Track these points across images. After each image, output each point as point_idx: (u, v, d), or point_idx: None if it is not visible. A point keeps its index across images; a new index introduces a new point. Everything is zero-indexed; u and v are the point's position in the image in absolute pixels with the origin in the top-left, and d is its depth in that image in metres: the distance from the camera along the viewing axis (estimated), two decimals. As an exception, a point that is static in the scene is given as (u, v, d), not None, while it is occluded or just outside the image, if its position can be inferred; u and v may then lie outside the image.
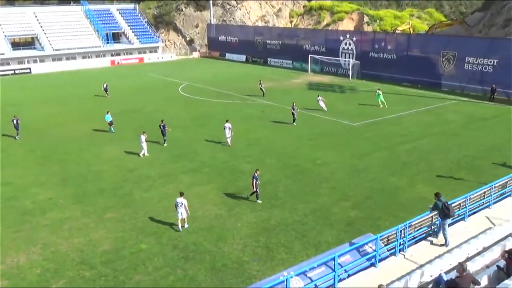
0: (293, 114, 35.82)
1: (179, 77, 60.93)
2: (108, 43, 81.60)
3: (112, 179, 25.48)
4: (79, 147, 31.40)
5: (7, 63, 72.79)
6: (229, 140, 30.83)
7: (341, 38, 62.88)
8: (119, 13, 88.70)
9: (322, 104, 40.53)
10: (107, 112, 35.32)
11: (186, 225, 19.68)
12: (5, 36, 75.05)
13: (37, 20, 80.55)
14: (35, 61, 75.23)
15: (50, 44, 77.06)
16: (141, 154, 29.20)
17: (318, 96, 41.78)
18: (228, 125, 30.82)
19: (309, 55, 64.61)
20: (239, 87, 52.35)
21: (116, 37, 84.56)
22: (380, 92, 42.00)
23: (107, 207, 21.84)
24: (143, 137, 29.15)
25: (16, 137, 34.26)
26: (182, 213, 19.21)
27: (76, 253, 17.74)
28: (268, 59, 74.73)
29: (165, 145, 31.43)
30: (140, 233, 19.21)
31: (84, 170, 27.03)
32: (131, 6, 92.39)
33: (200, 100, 46.19)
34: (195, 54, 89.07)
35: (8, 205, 22.33)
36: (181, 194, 19.52)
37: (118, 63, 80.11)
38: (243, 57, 79.79)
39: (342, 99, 45.46)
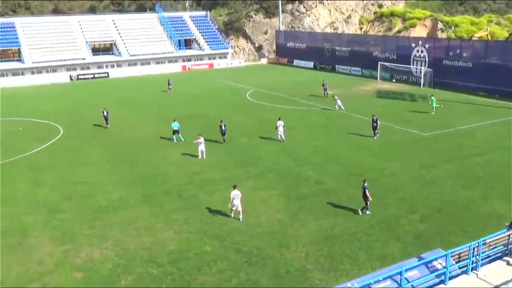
0: (374, 127, 33.34)
1: (247, 83, 61.76)
2: (180, 49, 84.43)
3: (178, 181, 26.26)
4: (147, 149, 32.68)
5: (87, 68, 77.38)
6: (281, 137, 32.81)
7: (413, 45, 60.95)
8: (191, 20, 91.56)
9: (339, 103, 42.49)
10: (174, 120, 35.15)
11: (241, 218, 20.45)
12: (87, 42, 79.80)
13: (116, 27, 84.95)
14: (112, 66, 79.30)
15: (127, 50, 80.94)
16: (199, 157, 30.09)
17: (334, 96, 43.85)
18: (280, 122, 32.82)
19: (379, 62, 63.19)
20: (306, 93, 52.20)
21: (187, 43, 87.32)
22: (434, 98, 41.31)
23: (174, 208, 22.53)
24: (199, 140, 30.06)
25: (107, 126, 39.45)
26: (238, 205, 20.48)
27: (144, 251, 18.45)
28: (336, 66, 73.93)
29: (225, 144, 32.67)
30: (204, 235, 19.65)
31: (152, 171, 28.08)
32: (203, 13, 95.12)
33: (266, 106, 46.54)
34: (263, 60, 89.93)
35: (83, 202, 23.66)
36: (234, 187, 20.87)
37: (189, 68, 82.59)
38: (311, 64, 79.50)
39: (412, 107, 44.00)
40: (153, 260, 17.73)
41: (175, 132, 34.41)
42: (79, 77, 74.99)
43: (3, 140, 36.39)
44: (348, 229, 19.75)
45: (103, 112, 40.01)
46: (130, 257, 18.01)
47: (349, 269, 16.79)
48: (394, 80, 60.88)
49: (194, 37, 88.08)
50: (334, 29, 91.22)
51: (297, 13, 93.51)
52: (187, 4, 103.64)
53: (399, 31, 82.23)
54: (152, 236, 19.72)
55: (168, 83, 57.88)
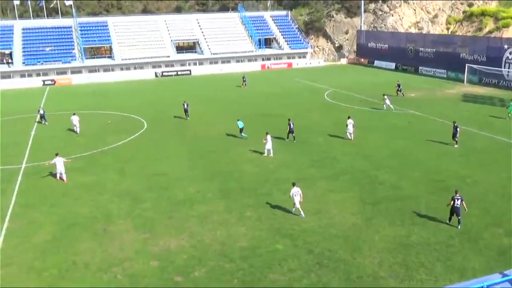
0: (454, 134, 31.67)
1: (325, 83, 61.22)
2: (260, 48, 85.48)
3: (253, 178, 26.63)
4: (225, 146, 33.46)
5: (171, 65, 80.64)
6: (349, 135, 33.46)
7: (506, 46, 57.04)
8: (272, 19, 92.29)
9: (388, 102, 43.36)
10: (238, 119, 36.07)
11: (302, 214, 21.05)
12: (172, 40, 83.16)
13: (199, 26, 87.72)
14: (195, 64, 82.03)
15: (209, 48, 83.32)
16: (265, 154, 30.56)
17: (383, 95, 44.57)
18: (350, 121, 33.46)
19: (466, 65, 59.91)
20: (395, 96, 50.64)
21: (267, 42, 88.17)
22: None
23: (248, 205, 22.90)
24: (268, 138, 30.43)
25: (187, 118, 42.42)
26: (297, 202, 21.09)
27: (218, 245, 18.95)
28: (420, 67, 71.11)
29: (294, 141, 33.33)
30: (276, 233, 19.79)
31: (229, 168, 28.71)
32: (284, 13, 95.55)
33: (344, 107, 45.83)
34: (343, 61, 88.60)
35: (163, 194, 24.75)
36: (294, 184, 21.49)
37: (267, 67, 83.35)
38: (392, 65, 77.13)
39: (500, 113, 41.26)
40: (225, 255, 18.16)
41: (240, 130, 35.60)
42: (164, 74, 78.35)
43: (94, 132, 39.02)
44: (426, 239, 18.97)
45: (183, 105, 43.12)
46: (204, 250, 18.58)
47: (424, 279, 16.15)
48: (482, 84, 57.45)
49: (274, 36, 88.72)
50: (419, 29, 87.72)
51: (380, 13, 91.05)
52: (268, 4, 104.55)
53: (490, 32, 77.36)
54: (225, 230, 20.20)
55: (243, 79, 61.65)
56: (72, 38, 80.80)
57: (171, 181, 26.64)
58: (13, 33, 79.42)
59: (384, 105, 43.92)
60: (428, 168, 27.51)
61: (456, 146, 31.50)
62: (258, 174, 27.34)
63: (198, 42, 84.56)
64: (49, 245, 19.51)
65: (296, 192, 21.21)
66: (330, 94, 53.23)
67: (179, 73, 79.24)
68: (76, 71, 76.66)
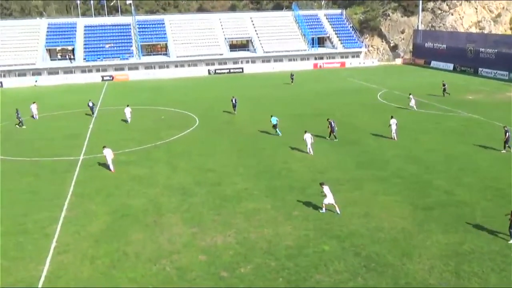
0: (506, 140, 29.94)
1: (379, 83, 59.99)
2: (313, 47, 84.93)
3: (302, 177, 26.53)
4: (274, 144, 33.51)
5: (224, 63, 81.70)
6: (394, 135, 33.49)
7: None
8: (326, 18, 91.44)
9: (413, 102, 43.46)
10: (271, 116, 36.43)
11: (338, 211, 21.40)
12: (225, 38, 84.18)
13: (253, 24, 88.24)
14: (247, 62, 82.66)
15: (262, 47, 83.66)
16: (311, 153, 30.73)
17: (409, 94, 44.59)
18: (393, 121, 33.52)
19: (531, 67, 56.94)
20: (443, 97, 49.08)
21: (320, 41, 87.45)
22: None
23: (295, 204, 22.84)
24: (306, 136, 30.68)
25: (234, 113, 44.19)
26: (331, 199, 21.33)
27: (264, 243, 19.03)
28: (479, 68, 68.22)
29: (335, 140, 33.46)
30: (323, 234, 19.62)
31: (278, 166, 28.74)
32: (338, 11, 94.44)
33: (397, 108, 44.72)
34: (398, 61, 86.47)
35: (212, 189, 25.14)
36: (322, 184, 21.82)
37: (320, 66, 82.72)
38: (450, 66, 74.44)
39: None
40: (271, 253, 18.21)
41: (274, 126, 35.92)
42: (216, 71, 79.50)
43: (148, 127, 40.23)
44: (480, 247, 18.20)
45: (232, 100, 44.58)
46: (250, 247, 18.71)
47: (477, 289, 15.52)
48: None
49: (327, 35, 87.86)
50: (480, 29, 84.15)
51: (439, 12, 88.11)
52: (323, 3, 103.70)
53: (559, 32, 73.14)
54: (272, 229, 20.25)
55: (291, 76, 63.59)
56: (130, 35, 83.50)
57: (220, 177, 27.01)
58: (75, 30, 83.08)
59: (410, 104, 43.85)
60: (485, 174, 26.36)
61: (503, 151, 29.99)
62: (306, 174, 27.20)
63: (251, 40, 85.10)
64: (102, 234, 20.31)
65: (326, 191, 21.45)
66: (383, 95, 52.09)
67: (231, 70, 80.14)
68: (133, 67, 79.18)
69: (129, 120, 42.59)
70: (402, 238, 19.08)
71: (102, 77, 76.87)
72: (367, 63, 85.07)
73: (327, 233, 19.74)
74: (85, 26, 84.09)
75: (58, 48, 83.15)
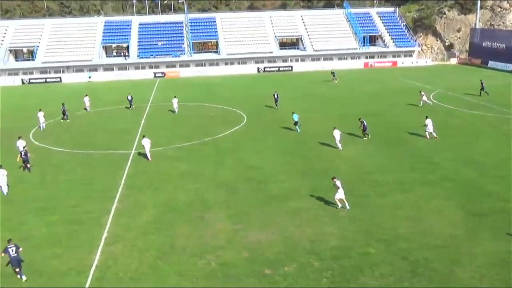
0: None
1: (432, 84, 58.16)
2: (364, 45, 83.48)
3: (349, 178, 26.12)
4: (321, 143, 33.21)
5: (273, 61, 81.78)
6: (430, 134, 33.37)
7: None
8: (378, 16, 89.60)
9: (424, 98, 44.20)
10: (293, 112, 37.33)
11: (347, 206, 21.84)
12: (275, 36, 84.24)
13: (303, 22, 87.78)
14: (296, 60, 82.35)
15: (311, 45, 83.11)
16: (340, 148, 31.43)
17: (420, 91, 45.51)
18: (429, 120, 33.44)
19: None
20: (501, 99, 46.91)
21: (372, 40, 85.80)
22: None
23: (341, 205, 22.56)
24: (335, 132, 31.37)
25: (276, 107, 45.73)
26: (341, 194, 21.75)
27: (308, 242, 18.94)
28: (542, 69, 64.76)
29: (364, 138, 33.88)
30: (370, 237, 19.29)
31: (324, 165, 28.49)
32: (391, 9, 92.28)
33: (450, 109, 43.21)
34: (453, 61, 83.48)
35: (257, 187, 25.27)
36: (333, 178, 22.29)
37: (371, 65, 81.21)
38: (509, 66, 71.04)
39: None
40: (315, 253, 18.10)
41: (295, 123, 36.76)
42: (266, 69, 79.66)
43: (197, 123, 40.96)
44: (536, 257, 17.33)
45: (274, 94, 46.49)
46: (294, 246, 18.68)
47: (531, 301, 14.79)
48: None
49: (379, 33, 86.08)
50: (544, 28, 79.84)
51: (499, 10, 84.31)
52: (375, 1, 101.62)
53: None
54: (317, 228, 20.12)
55: (333, 74, 64.07)
56: (182, 33, 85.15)
57: (266, 175, 27.09)
58: (130, 28, 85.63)
59: (421, 102, 44.58)
60: (545, 181, 25.01)
61: None
62: (354, 174, 26.81)
63: (301, 38, 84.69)
64: (151, 226, 20.88)
65: (338, 185, 21.86)
66: (437, 96, 50.45)
67: (280, 69, 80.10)
68: (184, 64, 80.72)
69: (176, 110, 45.49)
70: (451, 244, 18.46)
71: (154, 73, 78.86)
72: (420, 62, 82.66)
73: (373, 235, 19.39)
74: (140, 24, 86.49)
75: (114, 45, 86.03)
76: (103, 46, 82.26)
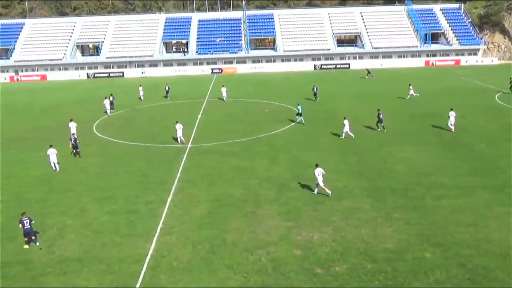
0: None
1: (498, 84, 55.40)
2: (425, 43, 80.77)
3: (405, 180, 25.45)
4: (377, 143, 32.51)
5: (330, 58, 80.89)
6: (451, 127, 34.31)
7: None
8: (442, 13, 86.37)
9: (412, 92, 47.35)
10: (298, 104, 40.32)
11: (328, 192, 23.09)
12: (333, 33, 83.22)
13: (362, 19, 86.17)
14: (354, 58, 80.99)
15: (370, 42, 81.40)
16: (342, 137, 33.61)
17: (409, 85, 48.35)
18: (452, 113, 34.45)
19: None
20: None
21: (434, 37, 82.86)
22: None
23: (397, 206, 22.01)
24: (345, 121, 33.54)
25: (316, 100, 48.52)
26: (320, 182, 23.10)
27: (361, 243, 18.63)
28: None
29: (378, 130, 35.40)
30: (425, 240, 18.69)
31: (379, 166, 27.86)
32: (456, 5, 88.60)
33: (519, 111, 41.00)
34: (522, 60, 79.15)
35: (311, 185, 25.08)
36: (317, 165, 23.49)
37: (432, 64, 78.52)
38: None
39: None
40: (368, 254, 17.77)
41: (299, 114, 38.99)
42: (322, 66, 78.96)
43: (252, 120, 41.27)
44: None
45: (313, 88, 49.32)
46: (347, 246, 18.43)
47: None
48: None
49: (442, 31, 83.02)
50: None
51: None
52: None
53: None
54: (370, 229, 19.74)
55: (367, 70, 66.20)
56: (240, 30, 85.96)
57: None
58: (190, 25, 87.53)
59: (408, 95, 47.87)
60: None
61: None
62: (410, 176, 26.05)
63: (359, 35, 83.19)
64: (204, 220, 21.29)
65: (319, 172, 23.18)
66: (503, 97, 48.01)
67: (337, 66, 79.08)
68: (241, 61, 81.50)
69: (225, 99, 50.05)
70: (514, 253, 17.54)
71: (212, 69, 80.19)
72: (486, 61, 78.92)
73: (429, 239, 18.77)
74: (199, 21, 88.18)
75: (174, 41, 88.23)
76: (163, 42, 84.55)
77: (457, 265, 16.82)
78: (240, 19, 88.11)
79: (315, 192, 23.64)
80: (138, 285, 16.28)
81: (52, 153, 29.03)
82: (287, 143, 33.48)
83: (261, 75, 73.64)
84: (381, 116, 35.26)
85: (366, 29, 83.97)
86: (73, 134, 33.01)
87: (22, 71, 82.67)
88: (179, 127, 34.23)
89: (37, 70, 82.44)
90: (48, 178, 27.89)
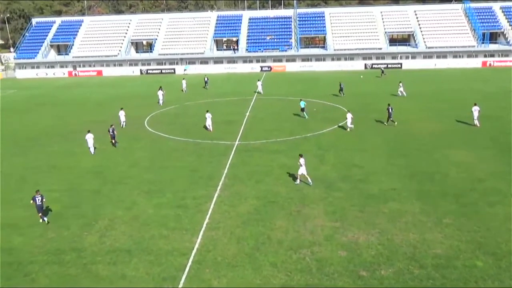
0: None
1: (561, 86, 52.41)
2: (483, 43, 77.57)
3: (458, 184, 24.58)
4: (428, 145, 31.59)
5: (382, 57, 79.23)
6: (476, 122, 35.70)
7: None
8: (502, 11, 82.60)
9: (401, 89, 49.40)
10: (300, 99, 42.04)
11: (310, 181, 24.66)
12: (385, 32, 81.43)
13: (416, 18, 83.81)
14: (407, 57, 78.95)
15: (424, 42, 79.09)
16: (347, 130, 35.26)
17: (399, 82, 49.88)
18: (476, 108, 35.51)
19: None
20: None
21: (493, 37, 79.38)
22: None
23: (447, 211, 21.32)
24: (348, 115, 35.29)
25: (342, 95, 50.85)
26: (304, 171, 24.63)
27: (409, 247, 18.18)
28: None
29: (385, 124, 36.82)
30: (477, 248, 18.00)
31: (431, 169, 27.03)
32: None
33: None
34: None
35: (357, 186, 24.76)
36: (301, 156, 24.82)
37: (489, 64, 75.36)
38: None
39: None
40: (416, 259, 17.32)
41: (302, 109, 40.73)
42: (373, 66, 77.47)
43: (300, 118, 41.12)
44: None
45: (340, 84, 51.57)
46: (393, 250, 18.04)
47: None
48: None
49: (502, 30, 79.41)
50: None
51: None
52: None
53: None
54: (419, 234, 19.23)
55: (382, 70, 68.19)
56: (290, 28, 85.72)
57: (367, 174, 26.43)
58: (241, 23, 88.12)
59: (399, 92, 49.71)
60: None
61: None
62: (463, 180, 25.12)
63: (413, 34, 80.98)
64: (250, 217, 21.46)
65: (302, 162, 24.56)
66: None
67: (389, 66, 77.35)
68: (291, 59, 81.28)
69: (261, 92, 54.27)
70: None
71: (261, 67, 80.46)
72: (549, 62, 74.86)
73: (481, 247, 18.06)
74: (250, 19, 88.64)
75: (224, 39, 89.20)
76: (214, 40, 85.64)
77: (511, 276, 16.10)
78: (291, 17, 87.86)
79: (311, 182, 24.89)
80: (183, 278, 16.65)
81: (90, 138, 32.06)
82: (335, 143, 33.13)
83: (310, 73, 73.17)
84: (390, 110, 36.97)
85: (420, 28, 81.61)
86: (112, 125, 34.59)
87: (79, 66, 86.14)
88: (208, 116, 37.46)
89: (94, 65, 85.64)
90: (101, 170, 28.97)
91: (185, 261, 17.72)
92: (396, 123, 36.98)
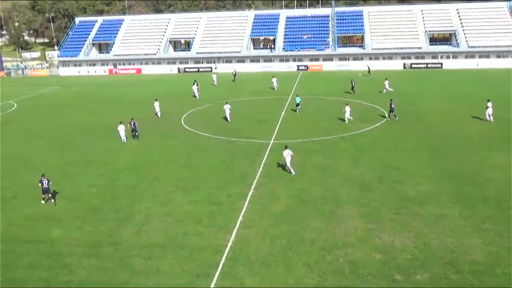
0: None
1: None
2: (529, 42, 74.73)
3: (499, 188, 23.73)
4: (467, 147, 30.67)
5: (422, 57, 77.50)
6: (488, 117, 36.41)
7: None
8: (551, 9, 79.22)
9: (387, 86, 50.21)
10: (296, 95, 44.30)
11: (292, 172, 26.25)
12: (426, 31, 79.60)
13: (458, 16, 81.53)
14: (447, 57, 76.91)
15: (466, 41, 76.86)
16: (346, 122, 35.65)
17: (386, 79, 51.02)
18: (490, 104, 36.41)
19: None
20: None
21: (540, 36, 76.32)
22: None
23: (487, 216, 20.64)
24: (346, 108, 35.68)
25: (353, 93, 51.35)
26: (289, 162, 26.33)
27: (446, 252, 17.71)
28: None
29: (388, 119, 37.20)
30: (518, 255, 17.37)
31: (471, 172, 26.23)
32: None
33: None
34: None
35: (393, 187, 24.30)
36: (286, 147, 26.67)
37: (535, 64, 72.41)
38: None
39: None
40: (453, 264, 16.86)
41: (297, 105, 42.99)
42: (413, 65, 75.93)
43: (336, 118, 40.71)
44: None
45: (351, 82, 53.03)
46: (430, 254, 17.62)
47: None
48: None
49: (550, 29, 76.18)
50: None
51: None
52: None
53: None
54: (457, 238, 18.71)
55: (369, 68, 69.67)
56: (328, 27, 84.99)
57: (403, 176, 25.91)
58: (278, 21, 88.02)
59: (384, 89, 51.19)
60: None
61: None
62: (505, 184, 24.22)
63: (455, 33, 78.81)
64: (283, 216, 21.42)
65: (287, 154, 26.25)
66: None
67: (428, 65, 75.60)
68: (328, 58, 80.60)
69: (276, 87, 57.44)
70: None
71: (298, 66, 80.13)
72: None
73: (521, 254, 17.41)
74: (287, 17, 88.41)
75: (261, 37, 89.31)
76: (251, 39, 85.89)
77: (553, 285, 15.46)
78: (328, 16, 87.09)
79: (293, 173, 26.50)
80: (217, 275, 16.79)
81: (121, 129, 34.99)
82: (372, 143, 32.65)
83: (348, 73, 72.28)
84: (393, 105, 38.17)
85: (462, 26, 79.31)
86: (132, 119, 36.35)
87: (119, 64, 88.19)
88: (227, 107, 39.89)
89: (133, 64, 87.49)
90: (138, 166, 29.57)
91: (218, 258, 17.86)
92: (397, 117, 38.22)
